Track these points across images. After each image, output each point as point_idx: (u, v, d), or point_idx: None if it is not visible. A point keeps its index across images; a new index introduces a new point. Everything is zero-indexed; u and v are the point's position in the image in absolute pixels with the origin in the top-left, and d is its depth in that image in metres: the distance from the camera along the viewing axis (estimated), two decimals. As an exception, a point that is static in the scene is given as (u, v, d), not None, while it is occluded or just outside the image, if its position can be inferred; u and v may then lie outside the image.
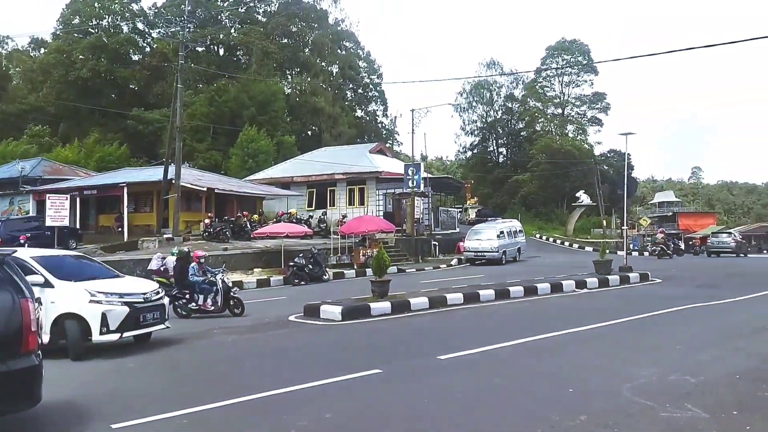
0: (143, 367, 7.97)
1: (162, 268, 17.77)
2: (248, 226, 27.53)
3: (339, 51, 69.56)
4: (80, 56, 53.73)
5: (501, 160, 77.65)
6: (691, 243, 51.06)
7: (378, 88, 72.63)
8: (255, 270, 22.93)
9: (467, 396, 5.89)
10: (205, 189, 27.87)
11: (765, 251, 45.36)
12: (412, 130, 32.96)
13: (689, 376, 6.39)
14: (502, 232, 28.83)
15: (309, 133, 62.75)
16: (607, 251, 20.53)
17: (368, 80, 72.33)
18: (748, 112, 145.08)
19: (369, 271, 21.69)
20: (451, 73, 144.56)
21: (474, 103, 75.94)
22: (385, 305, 12.02)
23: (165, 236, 25.14)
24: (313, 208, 37.14)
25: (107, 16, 58.91)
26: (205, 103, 51.76)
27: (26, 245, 20.41)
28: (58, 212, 19.85)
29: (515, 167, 72.16)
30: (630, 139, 21.61)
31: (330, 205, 37.18)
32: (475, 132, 76.82)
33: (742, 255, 34.16)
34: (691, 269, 23.19)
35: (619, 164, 51.72)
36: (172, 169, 26.33)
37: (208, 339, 10.08)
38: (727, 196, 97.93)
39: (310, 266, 21.32)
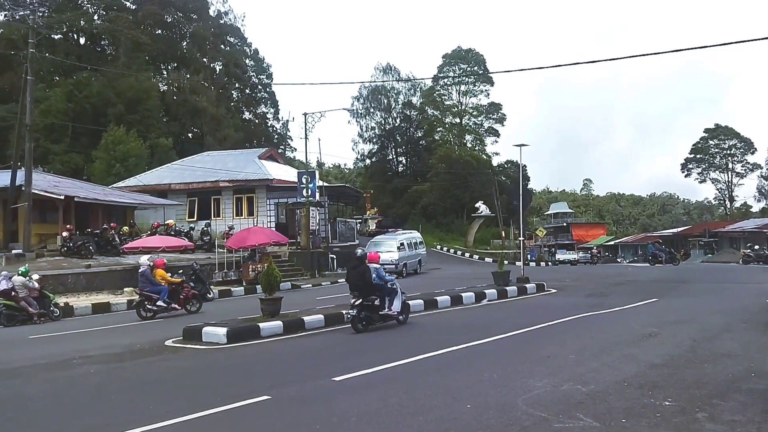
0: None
1: (8, 289, 16.35)
2: (117, 239, 25.93)
3: (222, 47, 67.85)
4: None
5: (401, 169, 79.66)
6: (590, 253, 56.65)
7: (268, 89, 71.77)
8: (126, 290, 21.66)
9: (362, 419, 5.92)
10: (62, 197, 25.85)
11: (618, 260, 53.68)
12: (306, 135, 32.92)
13: (581, 385, 6.88)
14: (402, 244, 29.54)
15: (189, 135, 60.44)
16: (506, 262, 21.76)
17: (257, 80, 71.13)
18: (632, 128, 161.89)
19: (259, 287, 21.34)
20: (345, 77, 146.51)
21: (371, 110, 77.46)
22: (276, 325, 11.83)
23: (14, 252, 23.10)
24: (195, 219, 35.85)
25: (-61, -7, 53.09)
26: (62, 99, 48.03)
27: None
28: None
29: (415, 177, 74.38)
30: (525, 150, 23.10)
31: (215, 216, 36.11)
32: (374, 139, 78.28)
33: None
34: (581, 278, 25.15)
35: (516, 175, 55.02)
36: (22, 174, 24.23)
37: (66, 371, 9.31)
38: (615, 207, 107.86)
39: (192, 284, 20.46)
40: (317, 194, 31.31)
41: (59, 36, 56.47)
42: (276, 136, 71.04)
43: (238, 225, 33.10)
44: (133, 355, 10.47)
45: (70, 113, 47.27)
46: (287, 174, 37.71)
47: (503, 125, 77.10)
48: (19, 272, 17.06)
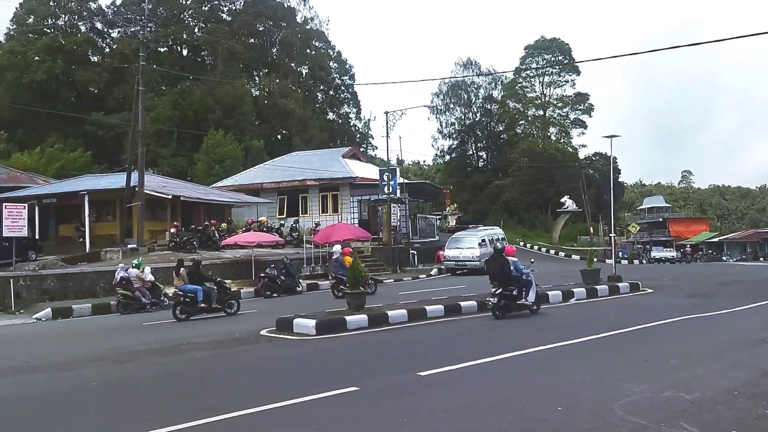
0: (104, 386, 7.69)
1: (125, 280, 17.46)
2: (216, 235, 27.12)
3: (308, 51, 69.36)
4: (36, 57, 52.45)
5: (481, 164, 78.04)
6: (682, 250, 51.83)
7: (350, 90, 72.57)
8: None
9: (450, 415, 5.80)
10: (170, 197, 27.39)
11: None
12: (387, 133, 33.10)
13: (684, 392, 6.31)
14: (483, 240, 28.89)
15: (279, 137, 62.31)
16: (595, 260, 20.69)
17: (340, 81, 72.17)
18: (738, 114, 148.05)
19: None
20: (426, 74, 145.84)
21: (451, 105, 76.31)
22: (361, 318, 11.90)
23: (129, 246, 24.65)
24: (285, 215, 36.86)
25: (63, 15, 57.76)
26: (168, 107, 51.03)
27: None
28: (16, 222, 19.29)
29: (496, 172, 72.63)
30: (615, 141, 21.92)
31: (302, 213, 36.97)
32: (453, 135, 77.15)
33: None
34: (681, 278, 23.48)
35: (605, 168, 52.37)
36: (135, 176, 25.85)
37: (175, 355, 9.81)
38: (719, 200, 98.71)
39: (283, 277, 21.08)
40: (398, 191, 31.29)
41: (165, 49, 59.83)
42: (358, 135, 71.82)
43: (324, 221, 33.72)
44: (233, 342, 10.87)
45: (175, 120, 50.09)
46: (369, 172, 37.98)
47: (590, 116, 73.00)
48: (133, 264, 18.21)
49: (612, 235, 24.53)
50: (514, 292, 12.67)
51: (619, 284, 18.25)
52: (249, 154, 49.46)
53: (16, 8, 57.04)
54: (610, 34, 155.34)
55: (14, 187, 32.66)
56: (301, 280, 22.46)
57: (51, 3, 57.05)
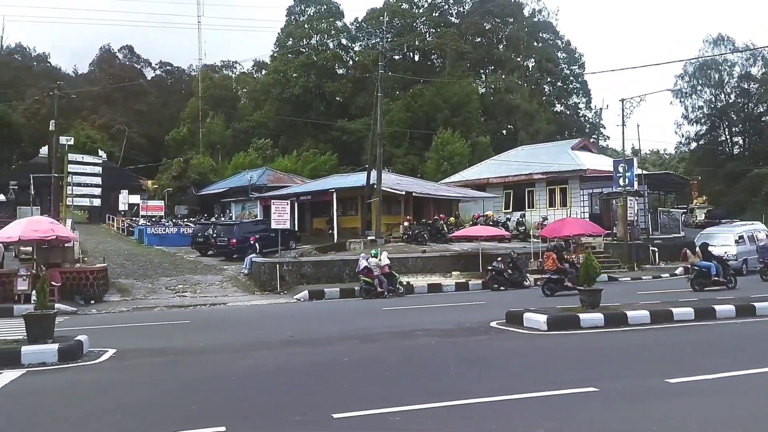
0: (354, 362, 8.52)
1: (367, 268, 19.07)
2: (445, 228, 28.11)
3: (535, 44, 67.65)
4: (294, 74, 60.52)
5: (736, 151, 67.28)
6: None
7: (579, 79, 69.21)
8: (453, 273, 23.26)
9: (708, 427, 5.13)
10: (403, 193, 29.21)
11: None
12: (623, 122, 30.28)
13: None
14: (741, 237, 24.94)
15: (504, 132, 62.03)
16: None
17: (568, 72, 69.03)
18: None
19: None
20: (665, 56, 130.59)
21: (699, 87, 67.11)
22: (596, 317, 11.19)
23: (369, 238, 26.91)
24: (511, 210, 36.54)
25: (315, 36, 65.43)
26: (402, 109, 54.45)
27: (256, 245, 23.68)
28: (281, 216, 22.28)
29: (756, 159, 61.82)
30: None
31: (528, 207, 36.24)
32: (702, 120, 67.69)
33: None
34: None
35: None
36: (374, 174, 28.09)
37: (411, 340, 10.42)
38: None
39: (510, 271, 20.91)
40: (635, 183, 28.68)
41: (399, 56, 63.89)
42: (588, 126, 67.95)
43: (552, 216, 32.53)
44: (464, 332, 11.13)
45: (407, 121, 53.24)
46: (601, 163, 35.55)
47: None
48: (372, 254, 19.86)
49: None
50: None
51: None
52: (475, 150, 50.16)
53: (278, 33, 66.51)
54: None
55: (278, 187, 38.28)
56: (528, 275, 22.02)
57: (305, 26, 65.20)
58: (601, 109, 68.29)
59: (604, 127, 67.67)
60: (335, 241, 28.41)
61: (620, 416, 5.63)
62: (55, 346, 8.88)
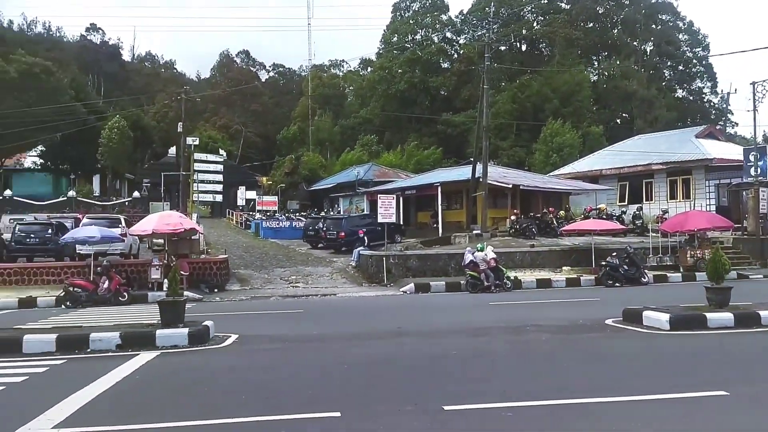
0: (463, 356, 8.48)
1: (473, 262, 18.88)
2: (554, 222, 27.09)
3: (654, 26, 63.13)
4: (399, 70, 61.10)
5: None
6: None
7: (704, 62, 63.66)
8: (564, 268, 22.42)
9: None
10: (510, 186, 28.54)
11: None
12: (754, 106, 27.45)
13: None
14: None
15: (618, 121, 58.62)
16: None
17: (690, 54, 63.73)
18: None
19: (699, 275, 19.08)
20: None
21: None
22: (725, 316, 10.28)
23: (474, 232, 26.61)
24: (626, 203, 34.51)
25: (420, 31, 65.54)
26: (508, 101, 53.15)
27: (365, 238, 24.33)
28: (387, 210, 22.68)
29: None
30: None
31: (646, 199, 34.05)
32: None
33: None
34: None
35: None
36: (479, 167, 27.70)
37: (522, 335, 10.19)
38: None
39: (626, 267, 19.77)
40: (768, 172, 25.89)
41: (505, 47, 62.38)
42: (714, 112, 62.33)
43: (673, 208, 30.23)
44: (577, 329, 10.69)
45: (514, 113, 51.95)
46: (729, 152, 32.48)
47: None
48: (478, 248, 19.60)
49: None
50: None
51: None
52: (587, 140, 47.92)
53: (384, 30, 67.39)
54: None
55: (384, 182, 38.92)
56: (646, 271, 20.67)
57: (410, 21, 65.50)
58: (728, 93, 62.31)
59: (732, 113, 61.76)
60: (440, 234, 28.39)
61: (755, 423, 5.17)
62: (186, 330, 9.69)
